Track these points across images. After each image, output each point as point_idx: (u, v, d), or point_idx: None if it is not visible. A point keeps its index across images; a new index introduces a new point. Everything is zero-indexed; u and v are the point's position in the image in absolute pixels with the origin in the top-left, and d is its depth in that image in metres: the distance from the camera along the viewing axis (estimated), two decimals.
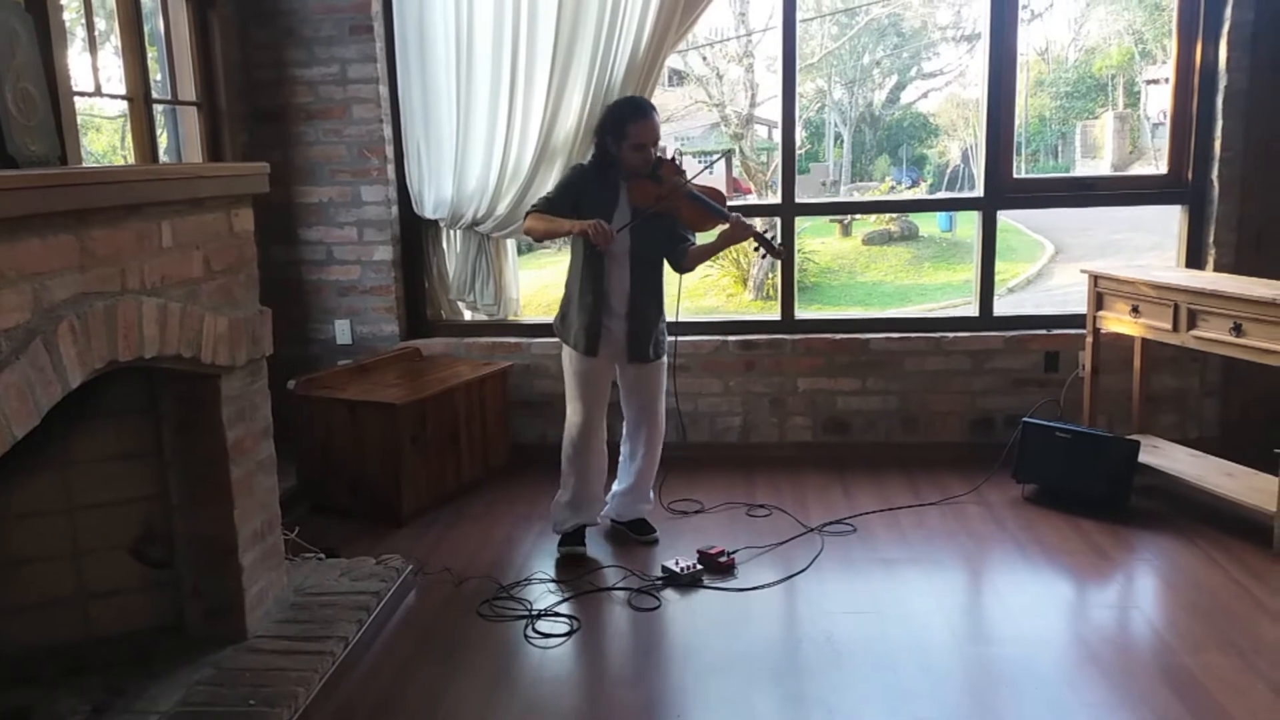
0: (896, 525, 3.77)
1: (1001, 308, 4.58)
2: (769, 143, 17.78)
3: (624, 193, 3.37)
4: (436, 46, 4.33)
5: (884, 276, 14.86)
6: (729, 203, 3.50)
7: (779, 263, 4.42)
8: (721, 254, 12.81)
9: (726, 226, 3.34)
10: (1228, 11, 4.09)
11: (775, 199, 4.61)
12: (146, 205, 2.41)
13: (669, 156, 3.47)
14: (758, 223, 3.55)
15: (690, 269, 3.51)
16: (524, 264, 4.83)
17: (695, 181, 3.39)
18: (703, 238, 3.55)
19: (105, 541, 2.75)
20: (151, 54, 3.91)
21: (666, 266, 3.50)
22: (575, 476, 3.53)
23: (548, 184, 4.28)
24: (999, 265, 4.62)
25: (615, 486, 3.74)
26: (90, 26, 3.51)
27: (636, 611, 3.16)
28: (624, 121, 3.30)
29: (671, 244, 3.44)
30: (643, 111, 3.34)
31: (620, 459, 3.73)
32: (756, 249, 3.40)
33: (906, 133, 24.30)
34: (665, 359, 3.58)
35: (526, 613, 3.14)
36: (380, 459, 3.86)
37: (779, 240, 3.32)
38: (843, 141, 22.87)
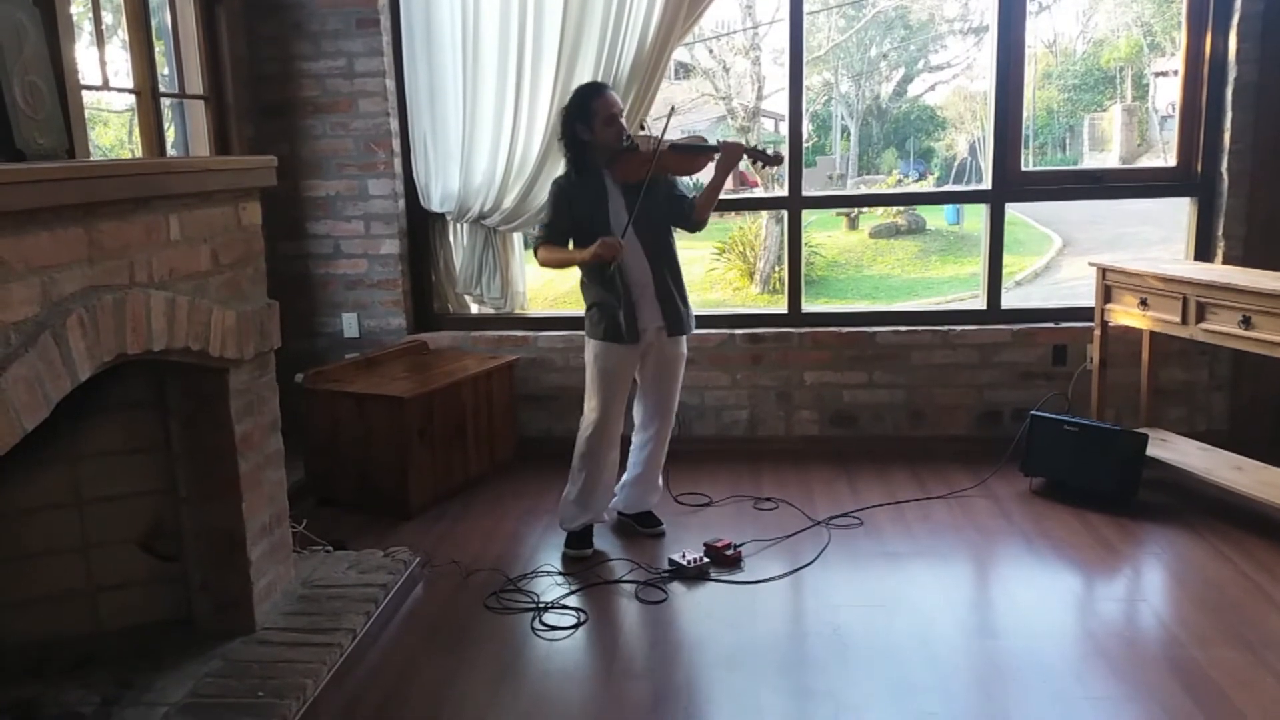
0: (903, 519, 3.77)
1: (1009, 301, 4.57)
2: (776, 136, 17.73)
3: (609, 178, 3.39)
4: (443, 40, 4.33)
5: (891, 270, 14.81)
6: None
7: (785, 251, 4.41)
8: (730, 248, 12.84)
9: (718, 154, 3.37)
10: (1237, 3, 4.07)
11: (782, 192, 4.60)
12: (154, 199, 2.42)
13: (636, 128, 3.48)
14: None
15: (703, 219, 3.48)
16: (530, 257, 4.82)
17: (670, 136, 3.38)
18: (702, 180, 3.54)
19: (114, 535, 2.76)
20: (159, 48, 3.92)
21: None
22: (586, 474, 3.51)
23: (555, 175, 4.27)
24: (1006, 258, 4.61)
25: (624, 476, 3.74)
26: (98, 20, 3.51)
27: (643, 604, 3.17)
28: (586, 101, 3.37)
29: (673, 207, 3.44)
30: (597, 87, 3.43)
31: (631, 448, 3.72)
32: (755, 163, 3.41)
33: (914, 126, 24.21)
34: (686, 348, 3.58)
35: (534, 605, 3.14)
36: (388, 452, 3.87)
37: (771, 148, 3.38)
38: (849, 134, 22.79)
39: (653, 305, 3.42)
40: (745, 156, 3.38)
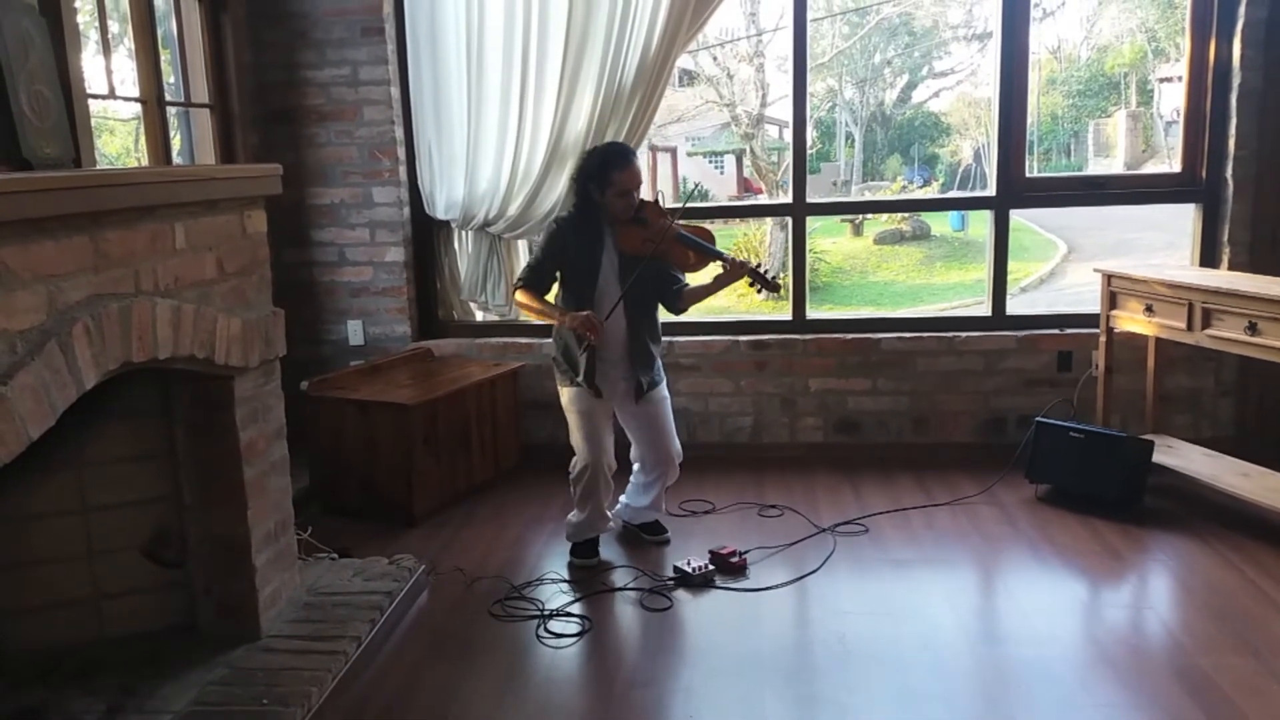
0: (908, 526, 3.76)
1: (1014, 307, 4.55)
2: (780, 142, 17.76)
3: (609, 238, 3.36)
4: (448, 48, 4.34)
5: (896, 276, 14.83)
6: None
7: (789, 258, 4.41)
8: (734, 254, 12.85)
9: (721, 270, 3.36)
10: (1241, 9, 4.07)
11: (786, 199, 4.60)
12: (160, 207, 2.42)
13: (651, 199, 3.44)
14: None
15: (685, 309, 3.50)
16: None
17: (680, 221, 3.36)
18: (694, 277, 3.52)
19: (119, 542, 2.76)
20: (164, 56, 3.93)
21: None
22: (590, 506, 3.49)
23: (559, 185, 4.29)
24: (1011, 265, 4.61)
25: (629, 501, 3.72)
26: (104, 29, 3.53)
27: (648, 612, 3.16)
28: (608, 169, 3.29)
29: (661, 284, 3.42)
30: (625, 157, 3.33)
31: (633, 475, 3.70)
32: (753, 285, 3.37)
33: (918, 132, 24.25)
34: (666, 391, 3.56)
35: (538, 613, 3.14)
36: (392, 459, 3.87)
37: (774, 273, 3.33)
38: (854, 141, 22.84)
39: (623, 372, 3.41)
40: (747, 277, 3.34)
